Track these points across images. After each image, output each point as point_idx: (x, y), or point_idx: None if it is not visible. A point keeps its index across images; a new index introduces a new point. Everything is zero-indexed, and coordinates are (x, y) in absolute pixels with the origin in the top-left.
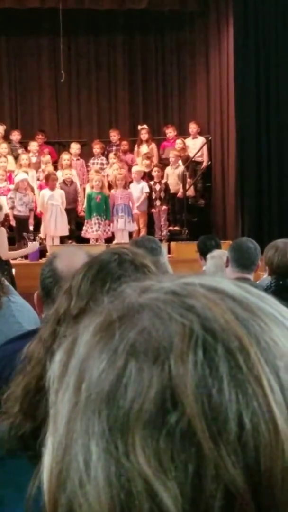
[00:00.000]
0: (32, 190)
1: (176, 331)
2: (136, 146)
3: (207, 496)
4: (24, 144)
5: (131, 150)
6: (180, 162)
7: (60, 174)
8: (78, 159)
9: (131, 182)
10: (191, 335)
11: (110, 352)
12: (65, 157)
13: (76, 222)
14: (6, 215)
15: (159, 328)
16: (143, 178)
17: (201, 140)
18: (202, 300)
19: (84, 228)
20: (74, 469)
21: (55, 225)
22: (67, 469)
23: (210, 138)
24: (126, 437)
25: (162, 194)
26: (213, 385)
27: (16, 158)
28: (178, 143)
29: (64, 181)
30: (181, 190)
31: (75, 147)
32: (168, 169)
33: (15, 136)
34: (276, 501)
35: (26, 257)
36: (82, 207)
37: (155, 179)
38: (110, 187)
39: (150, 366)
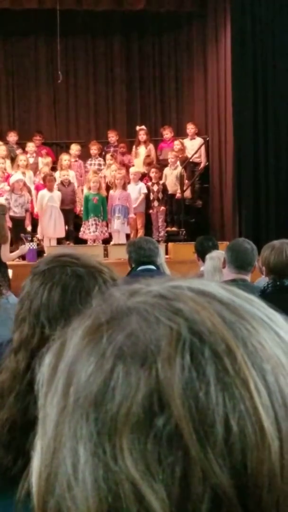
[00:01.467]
0: (29, 191)
1: (163, 334)
2: (134, 147)
3: (194, 499)
4: (21, 145)
5: (129, 151)
6: (178, 163)
7: (58, 175)
8: (76, 160)
9: (128, 183)
10: (178, 338)
11: (98, 355)
12: (64, 157)
13: (74, 223)
14: None
15: (147, 331)
16: (141, 179)
17: (198, 141)
18: (189, 303)
19: (81, 229)
20: (63, 472)
21: (54, 226)
22: (56, 472)
23: (207, 139)
24: (114, 441)
25: (160, 195)
26: (200, 388)
27: (13, 159)
28: (177, 144)
29: (61, 182)
30: (178, 191)
31: (74, 148)
32: (167, 170)
33: (12, 137)
34: (263, 503)
35: (23, 258)
36: (80, 208)
37: (153, 180)
38: (107, 188)
39: (137, 369)
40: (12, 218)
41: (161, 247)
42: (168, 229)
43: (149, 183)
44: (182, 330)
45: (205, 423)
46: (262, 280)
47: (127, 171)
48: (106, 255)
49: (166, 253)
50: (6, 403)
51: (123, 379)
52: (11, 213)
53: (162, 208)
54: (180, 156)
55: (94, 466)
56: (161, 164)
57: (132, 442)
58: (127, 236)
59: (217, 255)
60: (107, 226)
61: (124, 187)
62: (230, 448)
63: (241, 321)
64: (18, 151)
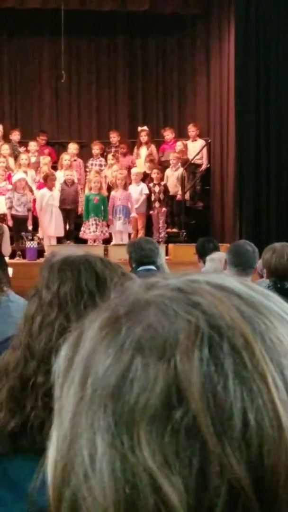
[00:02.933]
0: (31, 190)
1: (182, 327)
2: (135, 148)
3: (211, 492)
4: (23, 144)
5: (130, 152)
6: (179, 164)
7: (61, 175)
8: (75, 160)
9: (130, 183)
10: (197, 332)
11: (117, 347)
12: (65, 157)
13: (75, 223)
14: (4, 215)
15: (165, 324)
16: (143, 180)
17: (200, 142)
18: (207, 297)
19: (82, 229)
20: (79, 463)
21: (54, 225)
22: (72, 463)
23: (209, 140)
24: (132, 432)
25: (161, 196)
26: (218, 382)
27: (16, 158)
28: (178, 145)
29: (65, 182)
30: (179, 192)
31: (72, 147)
32: (168, 171)
33: (15, 136)
34: (279, 497)
35: (23, 256)
36: (82, 208)
37: (155, 181)
38: (109, 188)
39: (156, 362)
40: (14, 217)
41: (161, 248)
42: (169, 230)
43: (151, 184)
44: (201, 323)
45: (223, 416)
46: (262, 283)
47: (129, 172)
48: (106, 255)
49: (166, 254)
50: (9, 373)
51: (141, 371)
52: (13, 212)
53: (163, 209)
54: (181, 157)
55: (112, 457)
56: (163, 166)
57: (149, 434)
58: (129, 236)
59: (217, 257)
60: (107, 226)
61: (125, 188)
62: (247, 442)
63: (259, 315)
64: (21, 149)
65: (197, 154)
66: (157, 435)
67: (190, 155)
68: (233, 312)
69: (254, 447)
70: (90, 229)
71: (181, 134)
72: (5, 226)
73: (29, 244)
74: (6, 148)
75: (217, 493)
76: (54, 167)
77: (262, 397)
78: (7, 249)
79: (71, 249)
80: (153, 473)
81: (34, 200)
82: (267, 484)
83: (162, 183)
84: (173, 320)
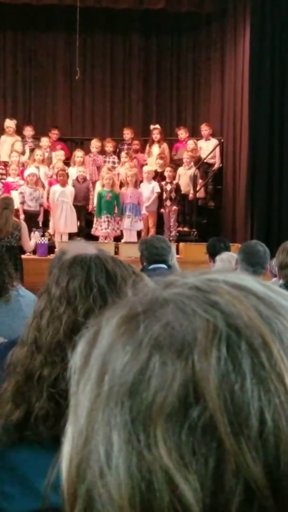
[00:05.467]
0: (43, 186)
1: (200, 326)
2: (147, 145)
3: (227, 491)
4: (35, 140)
5: (142, 150)
6: (192, 163)
7: (74, 171)
8: (91, 156)
9: (141, 181)
10: (215, 331)
11: (134, 345)
12: (78, 154)
13: (86, 219)
14: (16, 210)
15: (183, 323)
16: (154, 178)
17: (213, 142)
18: (226, 296)
19: (94, 226)
20: (95, 459)
21: (65, 222)
22: (88, 459)
23: (222, 140)
24: (148, 429)
25: (173, 195)
26: (236, 381)
27: (30, 152)
28: (190, 143)
29: (77, 178)
30: (191, 191)
31: (95, 145)
32: (181, 170)
33: (28, 131)
34: None
35: (34, 252)
36: (93, 205)
37: (167, 179)
38: (122, 185)
39: (173, 360)
40: (26, 212)
41: (172, 247)
42: (180, 229)
43: (163, 182)
44: (219, 322)
45: (240, 415)
46: (275, 282)
47: (141, 170)
48: (117, 252)
49: (177, 253)
50: (17, 370)
51: (159, 369)
52: (25, 207)
53: (174, 207)
54: (194, 156)
55: (128, 454)
56: (176, 164)
57: (166, 432)
58: (139, 234)
59: (227, 257)
60: (119, 223)
61: (136, 185)
62: (264, 441)
63: (276, 315)
64: (35, 143)
65: (210, 153)
66: (173, 433)
67: (203, 154)
68: (251, 312)
69: (271, 447)
70: (102, 226)
71: (195, 133)
72: (23, 222)
73: (40, 240)
74: (19, 144)
75: (233, 492)
76: (67, 163)
77: (280, 397)
78: (27, 244)
79: (82, 245)
80: (169, 471)
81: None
82: (284, 483)
83: (175, 181)
84: (191, 319)
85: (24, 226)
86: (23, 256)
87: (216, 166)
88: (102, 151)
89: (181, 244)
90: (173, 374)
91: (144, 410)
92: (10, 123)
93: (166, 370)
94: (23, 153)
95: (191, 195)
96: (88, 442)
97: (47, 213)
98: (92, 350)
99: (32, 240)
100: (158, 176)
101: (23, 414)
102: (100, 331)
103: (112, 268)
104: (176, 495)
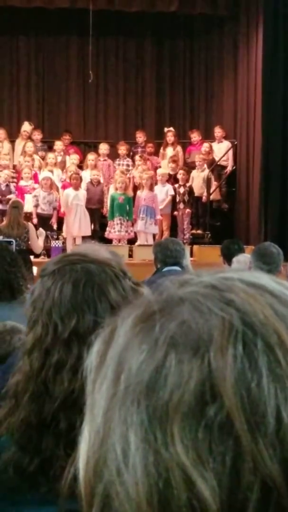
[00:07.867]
0: (57, 189)
1: (216, 324)
2: (161, 148)
3: (244, 488)
4: (49, 144)
5: (156, 153)
6: (205, 165)
7: (88, 174)
8: (105, 160)
9: (156, 184)
10: (231, 329)
11: (150, 343)
12: (90, 157)
13: (100, 223)
14: (30, 213)
15: (199, 321)
16: (168, 180)
17: (226, 144)
18: (241, 294)
19: (107, 228)
20: (112, 458)
21: (79, 225)
22: (105, 458)
23: (235, 142)
24: (165, 428)
25: (186, 197)
26: (252, 379)
27: (42, 158)
28: (205, 146)
29: (91, 181)
30: (205, 193)
31: (103, 148)
32: (194, 173)
33: (36, 135)
34: None
35: (48, 255)
36: (107, 208)
37: (180, 182)
38: (135, 188)
39: (190, 358)
40: (39, 215)
41: (186, 249)
42: (193, 231)
43: (176, 185)
44: (235, 321)
45: (256, 413)
46: None
47: (155, 172)
48: (131, 255)
49: (191, 255)
50: (21, 404)
51: (175, 367)
52: (39, 210)
53: (188, 210)
54: (207, 158)
55: (145, 452)
56: (189, 167)
57: (183, 430)
58: (154, 237)
59: (244, 259)
60: (132, 226)
61: (151, 188)
62: (281, 439)
63: None
64: (45, 147)
65: (223, 155)
66: (190, 431)
67: (216, 157)
68: (267, 310)
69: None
70: (115, 229)
71: (208, 136)
72: (30, 224)
73: (54, 243)
74: (30, 146)
75: (250, 490)
76: (80, 167)
77: None
78: (36, 246)
79: (93, 247)
80: (186, 469)
81: (60, 199)
82: None
83: (188, 184)
84: (207, 317)
85: (31, 227)
86: (36, 260)
87: (229, 168)
88: (116, 154)
89: (195, 247)
90: (189, 372)
91: (160, 408)
92: (27, 127)
93: (182, 369)
94: (35, 153)
95: (204, 198)
96: (105, 441)
97: (60, 216)
98: (108, 349)
99: (40, 238)
100: (172, 179)
101: (39, 465)
102: (116, 330)
103: (99, 279)
104: (194, 493)
